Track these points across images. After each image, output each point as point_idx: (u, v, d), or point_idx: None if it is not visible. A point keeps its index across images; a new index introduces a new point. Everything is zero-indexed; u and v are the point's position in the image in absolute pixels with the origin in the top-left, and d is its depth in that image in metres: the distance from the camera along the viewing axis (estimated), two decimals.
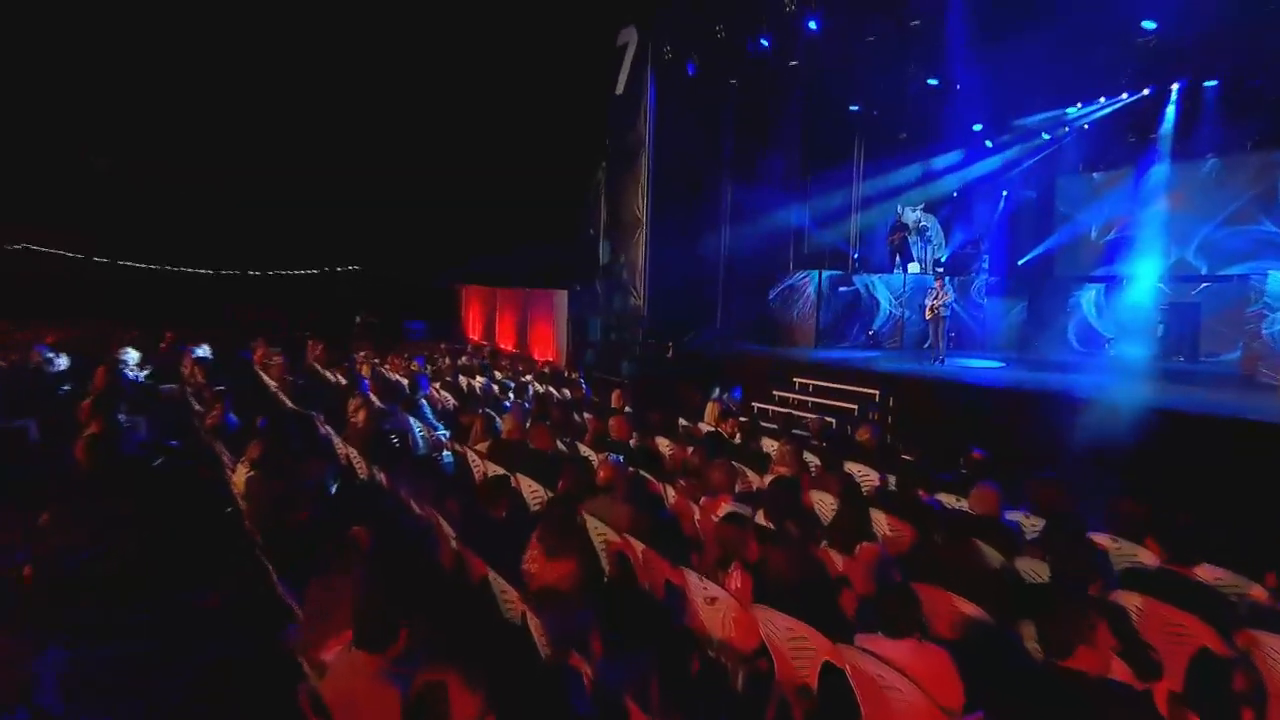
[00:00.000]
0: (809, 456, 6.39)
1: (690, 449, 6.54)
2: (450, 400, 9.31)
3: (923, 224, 15.28)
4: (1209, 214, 12.66)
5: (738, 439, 7.58)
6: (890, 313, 14.59)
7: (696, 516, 5.10)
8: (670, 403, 10.09)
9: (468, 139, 18.66)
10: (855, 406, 10.71)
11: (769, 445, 7.26)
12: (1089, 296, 13.64)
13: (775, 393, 11.94)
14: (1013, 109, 13.23)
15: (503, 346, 19.12)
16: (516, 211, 18.23)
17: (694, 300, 14.95)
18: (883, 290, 14.67)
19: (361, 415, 6.43)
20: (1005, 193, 14.89)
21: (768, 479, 5.93)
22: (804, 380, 11.67)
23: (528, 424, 6.15)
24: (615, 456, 5.37)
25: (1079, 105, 13.35)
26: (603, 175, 15.47)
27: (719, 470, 5.16)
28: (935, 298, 11.86)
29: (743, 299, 15.11)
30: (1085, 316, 13.43)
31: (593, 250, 15.77)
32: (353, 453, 6.07)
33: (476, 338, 20.77)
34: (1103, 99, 13.07)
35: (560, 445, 6.43)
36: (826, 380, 11.32)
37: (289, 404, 7.86)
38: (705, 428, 8.05)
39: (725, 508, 5.05)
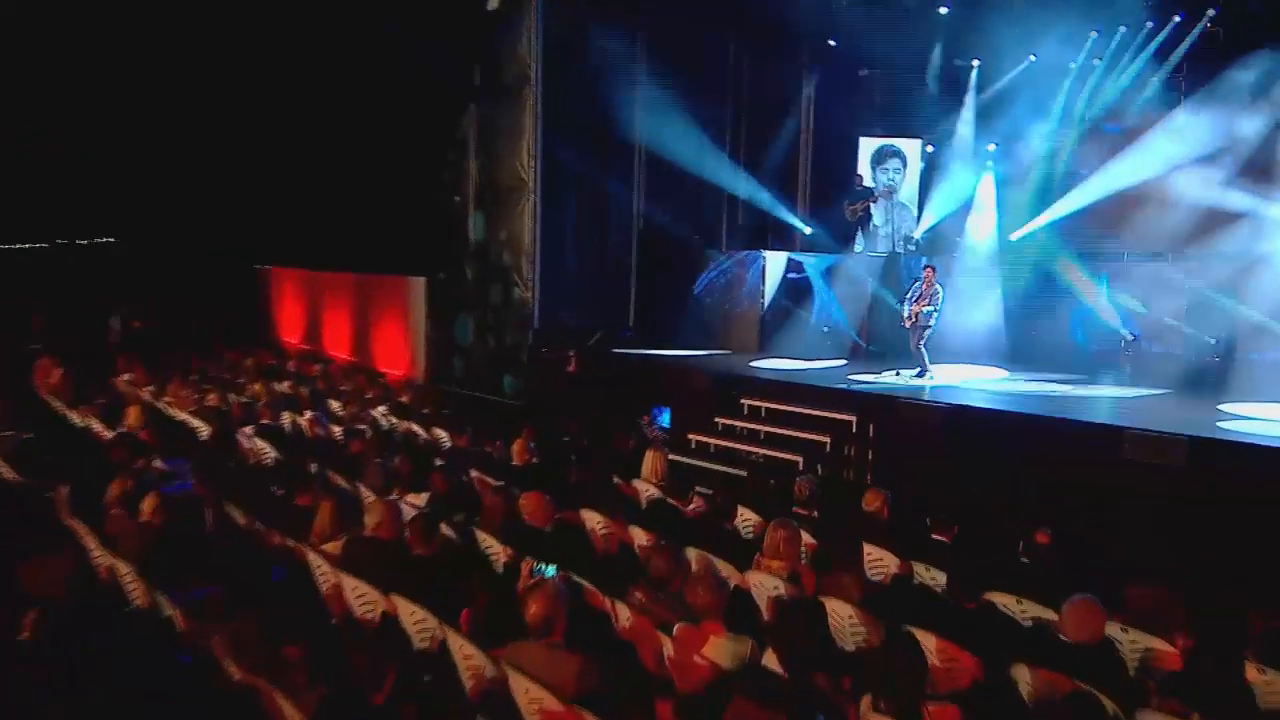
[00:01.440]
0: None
1: (639, 536, 5.92)
2: (269, 452, 8.17)
3: (893, 189, 15.36)
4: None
5: (694, 506, 6.98)
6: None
7: (669, 654, 4.49)
8: (585, 444, 9.47)
9: (279, 60, 16.81)
10: (827, 439, 10.60)
11: (744, 517, 6.67)
12: (1102, 280, 13.68)
13: (718, 420, 11.66)
14: (1009, 37, 13.24)
15: (334, 354, 18.16)
16: (351, 167, 17.04)
17: (601, 291, 14.82)
18: (845, 276, 14.82)
19: (150, 507, 5.32)
20: (994, 146, 14.99)
21: (750, 576, 5.50)
22: (754, 402, 11.53)
23: (402, 507, 5.19)
24: (546, 569, 4.55)
25: (1094, 34, 13.49)
26: (472, 122, 14.96)
27: (703, 588, 4.48)
28: (920, 299, 11.78)
29: (665, 288, 15.06)
30: (1097, 306, 13.48)
31: (460, 223, 15.30)
32: (122, 567, 4.94)
33: (295, 342, 19.57)
34: (1122, 28, 13.24)
35: (448, 531, 5.57)
36: (783, 402, 11.20)
37: (7, 474, 6.65)
38: (646, 491, 7.36)
39: (718, 645, 4.38)
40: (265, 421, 9.18)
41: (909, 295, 12.07)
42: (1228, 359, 12.16)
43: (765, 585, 5.35)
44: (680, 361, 13.61)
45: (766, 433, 11.16)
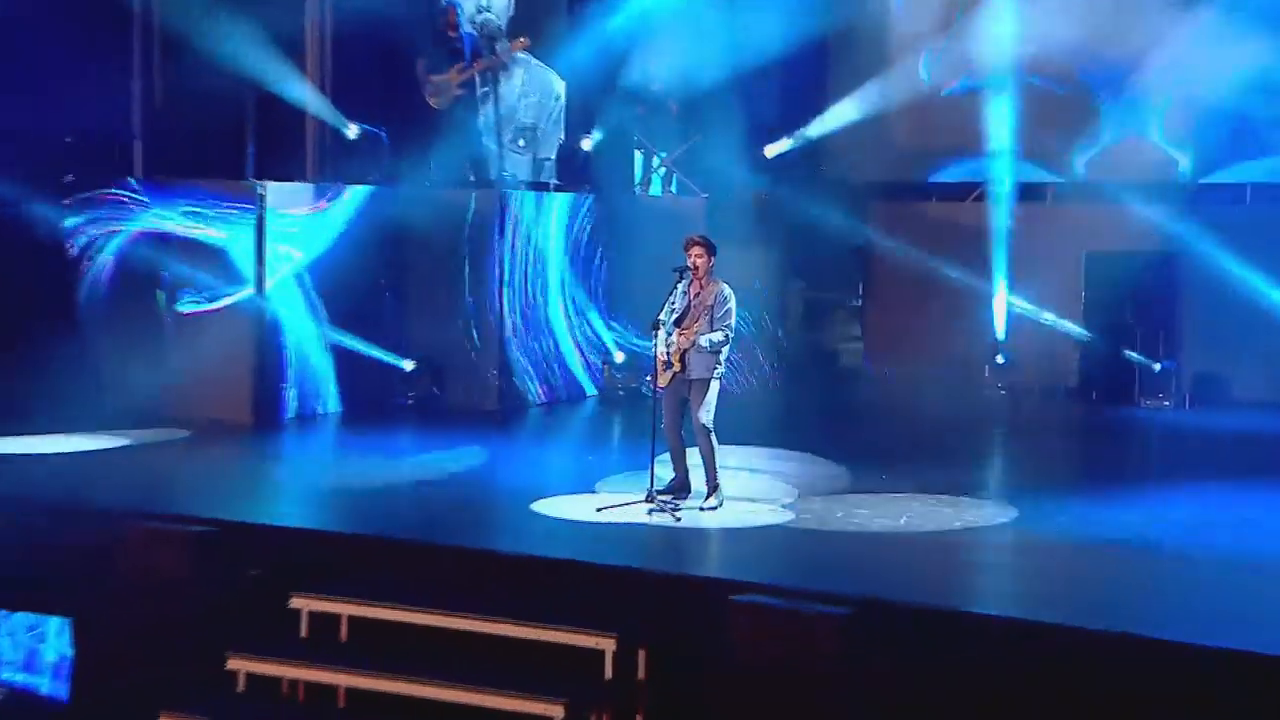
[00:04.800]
0: None
1: None
2: None
3: (497, 41, 15.53)
4: None
5: None
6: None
7: None
8: None
9: None
10: (555, 712, 8.56)
11: None
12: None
13: (234, 663, 9.49)
14: None
15: None
16: None
17: None
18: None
19: None
20: None
21: None
22: (329, 606, 9.51)
23: None
24: None
25: None
26: None
27: None
28: (691, 314, 11.07)
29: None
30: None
31: None
32: None
33: None
34: None
35: None
36: (414, 605, 9.45)
37: None
38: None
39: None
40: None
41: (664, 313, 10.99)
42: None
43: None
44: (77, 474, 12.37)
45: (358, 691, 9.07)
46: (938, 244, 15.76)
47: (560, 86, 15.81)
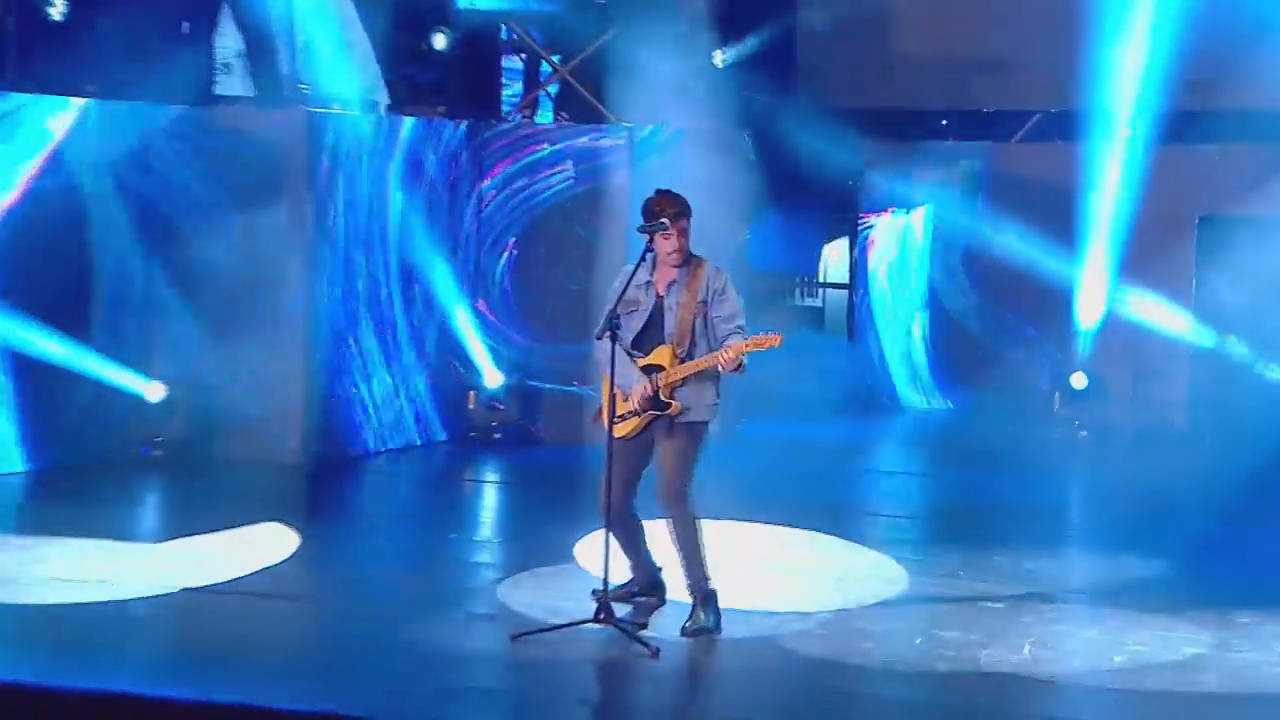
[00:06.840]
0: None
1: None
2: None
3: None
4: None
5: None
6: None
7: None
8: None
9: None
10: None
11: None
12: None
13: None
14: None
15: None
16: None
17: None
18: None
19: None
20: None
21: None
22: None
23: None
24: None
25: None
26: None
27: None
28: (641, 345, 10.60)
29: None
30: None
31: None
32: None
33: None
34: None
35: None
36: None
37: None
38: None
39: None
40: None
41: (619, 305, 10.32)
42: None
43: None
44: None
45: None
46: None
47: None
